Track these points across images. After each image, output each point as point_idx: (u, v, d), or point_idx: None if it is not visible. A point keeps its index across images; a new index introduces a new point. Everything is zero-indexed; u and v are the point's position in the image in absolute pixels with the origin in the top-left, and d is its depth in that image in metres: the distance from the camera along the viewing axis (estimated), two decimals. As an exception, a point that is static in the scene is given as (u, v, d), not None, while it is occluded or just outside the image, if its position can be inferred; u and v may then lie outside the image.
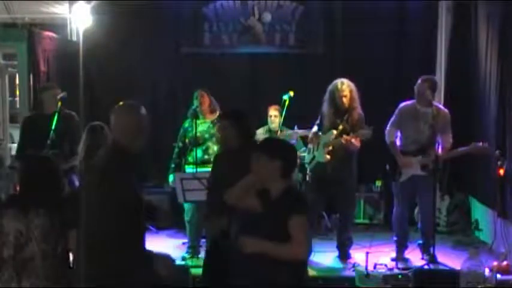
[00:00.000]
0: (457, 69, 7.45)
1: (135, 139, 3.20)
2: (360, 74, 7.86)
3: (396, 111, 6.04)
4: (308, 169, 6.33)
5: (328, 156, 5.95)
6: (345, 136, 5.82)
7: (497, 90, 6.16)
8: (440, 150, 5.82)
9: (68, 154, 5.86)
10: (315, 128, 6.20)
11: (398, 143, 6.00)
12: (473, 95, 6.90)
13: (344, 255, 6.09)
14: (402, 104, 6.04)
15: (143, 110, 3.29)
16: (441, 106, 6.15)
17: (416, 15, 7.92)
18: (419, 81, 5.93)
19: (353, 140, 5.76)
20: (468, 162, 6.61)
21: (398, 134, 6.02)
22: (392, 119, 6.06)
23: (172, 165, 6.35)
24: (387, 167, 6.04)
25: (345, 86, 5.94)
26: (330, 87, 6.02)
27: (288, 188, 3.33)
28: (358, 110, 6.02)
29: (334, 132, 5.94)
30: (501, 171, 5.90)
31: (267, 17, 8.02)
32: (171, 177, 6.28)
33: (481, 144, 5.73)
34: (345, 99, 5.93)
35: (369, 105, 7.69)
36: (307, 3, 8.01)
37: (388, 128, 6.05)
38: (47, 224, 3.37)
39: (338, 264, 5.97)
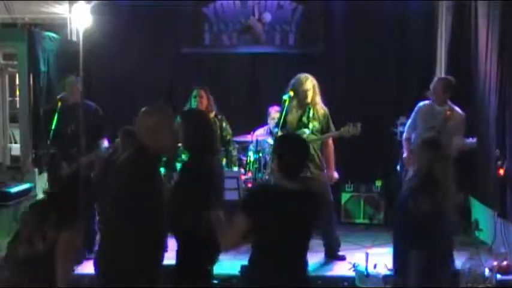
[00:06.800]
0: (457, 69, 7.43)
1: (159, 140, 3.11)
2: (360, 74, 7.93)
3: (414, 111, 6.17)
4: None
5: None
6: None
7: (497, 90, 6.15)
8: None
9: (85, 150, 5.58)
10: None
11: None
12: (473, 95, 6.89)
13: (333, 256, 5.96)
14: (420, 104, 6.16)
15: (168, 112, 3.20)
16: (457, 108, 6.12)
17: (416, 15, 7.92)
18: (435, 79, 6.09)
19: (330, 142, 5.91)
20: (468, 162, 6.60)
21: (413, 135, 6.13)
22: (410, 119, 6.23)
23: (164, 159, 6.31)
24: (398, 167, 6.17)
25: (309, 81, 5.95)
26: (293, 81, 6.02)
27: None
28: (322, 106, 6.00)
29: (307, 131, 5.86)
30: (501, 171, 5.88)
31: (267, 17, 8.02)
32: (162, 170, 6.29)
33: (470, 140, 5.79)
34: (308, 93, 5.93)
35: (368, 105, 7.75)
36: (307, 3, 8.00)
37: (406, 128, 6.26)
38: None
39: (336, 264, 5.94)
